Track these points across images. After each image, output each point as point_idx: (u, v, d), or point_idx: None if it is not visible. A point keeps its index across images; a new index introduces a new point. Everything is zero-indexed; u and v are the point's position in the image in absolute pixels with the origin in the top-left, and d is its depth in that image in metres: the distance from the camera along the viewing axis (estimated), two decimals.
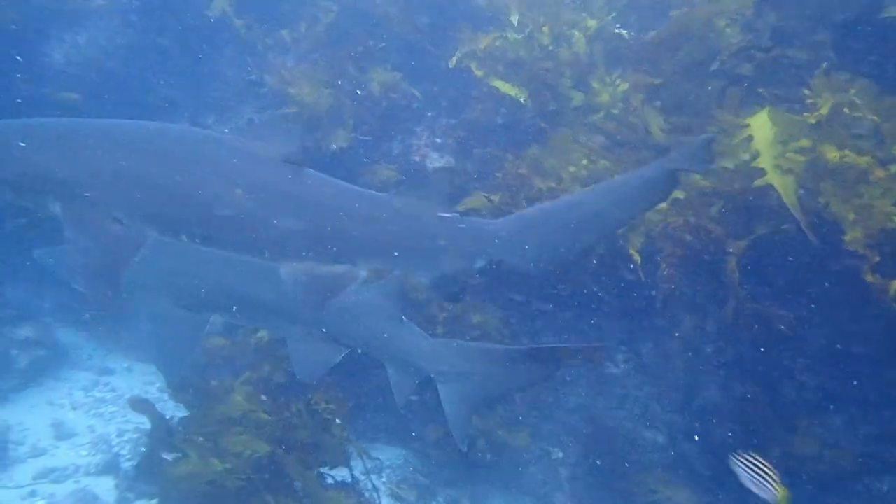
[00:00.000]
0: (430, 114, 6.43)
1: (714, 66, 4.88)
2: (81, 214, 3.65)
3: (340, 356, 4.99)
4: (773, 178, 4.16)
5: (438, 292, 4.15)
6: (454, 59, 6.01)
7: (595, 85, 5.52)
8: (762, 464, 3.82)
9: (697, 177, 4.47)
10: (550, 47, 5.72)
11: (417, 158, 6.32)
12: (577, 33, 5.72)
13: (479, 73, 5.93)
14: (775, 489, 3.77)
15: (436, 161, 6.34)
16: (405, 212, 3.97)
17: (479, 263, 4.10)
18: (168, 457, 4.85)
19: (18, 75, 5.45)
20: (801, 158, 4.16)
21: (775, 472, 3.81)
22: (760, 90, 4.66)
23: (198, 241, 3.79)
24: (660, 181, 4.01)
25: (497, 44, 5.92)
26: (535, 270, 4.13)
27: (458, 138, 6.24)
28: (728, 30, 4.83)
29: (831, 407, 4.74)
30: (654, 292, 4.76)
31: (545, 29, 5.76)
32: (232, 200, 3.68)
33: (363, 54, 6.21)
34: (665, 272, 4.62)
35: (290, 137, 3.83)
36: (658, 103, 5.12)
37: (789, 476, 4.57)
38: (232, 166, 3.72)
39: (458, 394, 4.70)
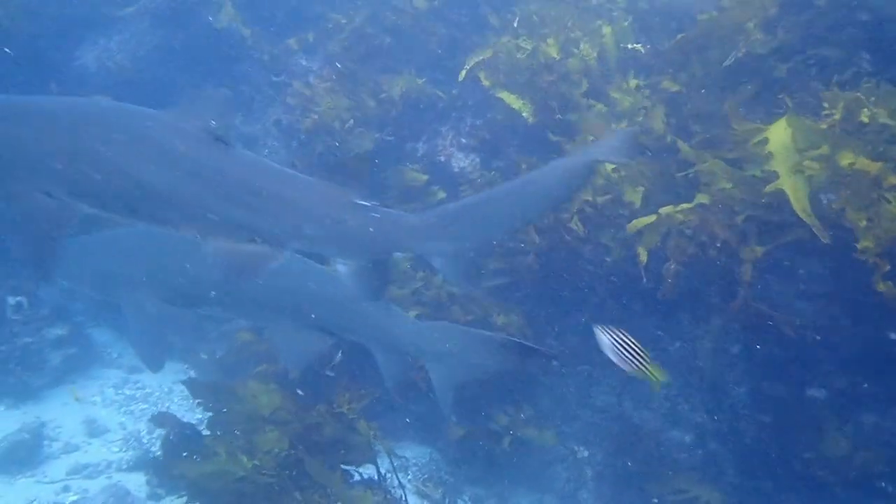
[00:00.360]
0: (454, 114, 6.45)
1: (728, 62, 4.78)
2: (10, 188, 3.71)
3: (328, 344, 5.06)
4: (785, 183, 4.12)
5: (359, 283, 4.17)
6: (463, 72, 6.03)
7: (615, 94, 5.45)
8: (630, 340, 3.77)
9: (724, 183, 4.43)
10: (557, 58, 5.64)
11: (442, 159, 6.35)
12: (583, 45, 5.64)
13: (486, 84, 5.94)
14: (642, 365, 3.72)
15: (461, 161, 6.37)
16: (327, 195, 4.00)
17: (397, 255, 4.18)
18: (196, 456, 4.94)
19: (53, 84, 5.56)
20: (817, 165, 4.10)
21: (645, 351, 3.75)
22: (782, 95, 4.57)
23: (124, 214, 3.85)
24: (579, 172, 4.08)
25: (502, 55, 5.91)
26: (451, 266, 4.15)
27: (483, 139, 6.26)
28: (758, 34, 4.73)
29: (861, 408, 4.68)
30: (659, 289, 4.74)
31: (550, 41, 5.67)
32: (157, 175, 3.71)
33: (387, 58, 6.26)
34: (672, 267, 4.58)
35: (220, 114, 3.84)
36: (685, 109, 5.04)
37: (820, 478, 4.54)
38: (159, 141, 3.75)
39: (445, 372, 4.84)
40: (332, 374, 5.41)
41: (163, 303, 5.24)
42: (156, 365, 5.33)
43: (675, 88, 5.10)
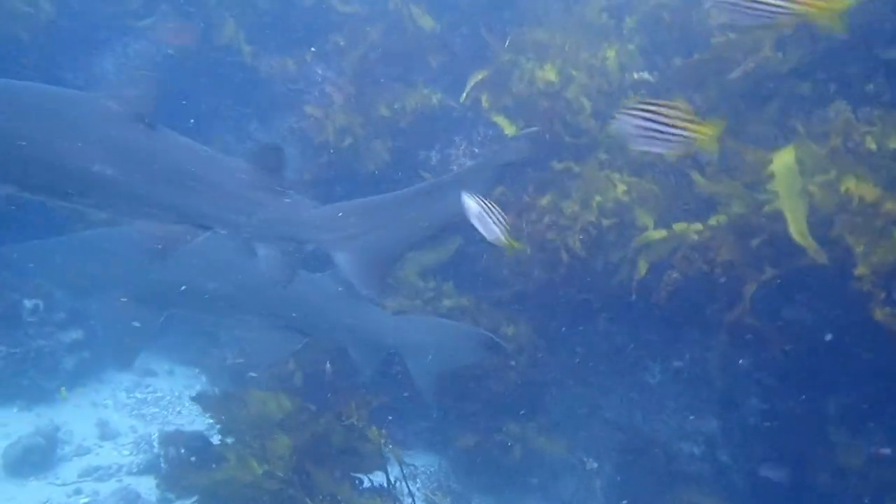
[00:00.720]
0: (467, 124, 6.49)
1: (735, 74, 4.75)
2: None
3: (300, 345, 5.13)
4: (784, 204, 4.10)
5: (270, 269, 4.19)
6: (464, 95, 6.05)
7: None
8: (496, 210, 3.59)
9: (736, 207, 4.41)
10: (556, 83, 5.54)
11: (456, 168, 6.38)
12: (578, 72, 5.54)
13: (485, 105, 5.95)
14: (503, 233, 3.56)
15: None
16: (247, 179, 4.06)
17: (309, 245, 4.19)
18: (205, 463, 4.97)
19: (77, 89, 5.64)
20: (820, 189, 4.08)
21: (506, 219, 3.61)
22: (798, 117, 4.56)
23: (53, 198, 3.86)
24: (485, 178, 4.14)
25: (500, 77, 5.91)
26: (350, 262, 4.16)
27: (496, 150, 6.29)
28: (777, 53, 4.68)
29: (873, 420, 4.66)
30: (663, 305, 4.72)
31: (548, 66, 5.60)
32: (83, 157, 3.73)
33: (402, 68, 6.31)
34: (674, 276, 4.57)
35: (144, 96, 3.86)
36: None
37: (835, 489, 4.51)
38: (84, 123, 3.78)
39: (424, 364, 4.96)
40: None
41: (133, 302, 5.37)
42: (125, 362, 5.57)
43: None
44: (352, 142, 5.99)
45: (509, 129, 5.75)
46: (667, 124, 3.11)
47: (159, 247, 3.96)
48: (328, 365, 5.55)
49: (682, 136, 3.11)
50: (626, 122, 3.18)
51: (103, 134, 3.78)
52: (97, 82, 6.36)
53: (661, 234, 4.51)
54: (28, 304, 6.12)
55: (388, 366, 5.54)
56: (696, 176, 4.57)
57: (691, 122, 3.10)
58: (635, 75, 5.37)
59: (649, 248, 4.57)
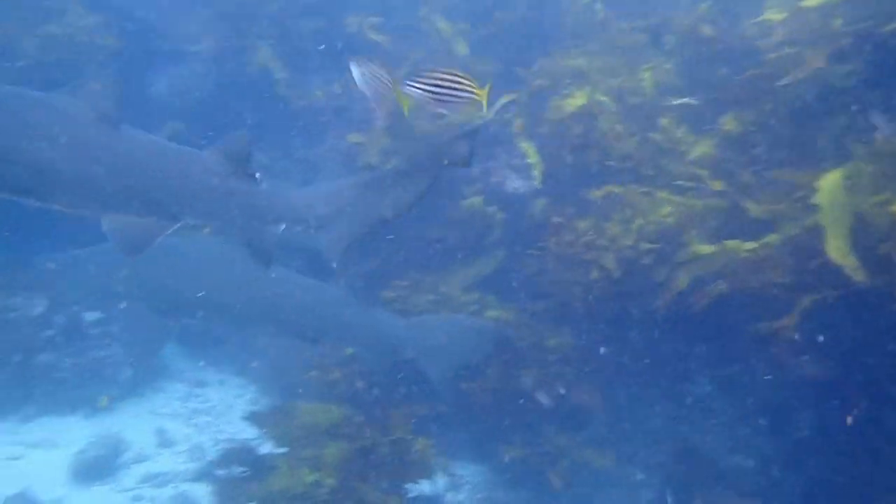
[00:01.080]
0: (508, 135, 6.53)
1: (784, 82, 4.68)
2: None
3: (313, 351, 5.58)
4: (825, 219, 4.06)
5: (248, 251, 4.46)
6: (491, 112, 6.04)
7: (656, 137, 5.25)
8: (382, 74, 3.63)
9: (789, 228, 4.35)
10: (589, 108, 5.47)
11: (496, 180, 6.42)
12: (606, 97, 5.46)
13: (517, 130, 5.93)
14: (386, 94, 3.60)
15: (515, 182, 6.43)
16: (213, 170, 4.27)
17: (280, 227, 4.47)
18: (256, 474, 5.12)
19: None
20: (868, 209, 4.01)
21: (394, 82, 3.60)
22: (848, 135, 4.46)
23: (17, 195, 4.03)
24: (430, 170, 4.49)
25: (530, 102, 5.90)
26: (325, 240, 4.52)
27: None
28: (837, 66, 4.54)
29: None
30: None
31: (580, 92, 5.51)
32: (47, 155, 3.92)
33: None
34: (719, 287, 4.53)
35: (109, 96, 4.10)
36: (757, 150, 4.85)
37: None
38: (48, 122, 3.98)
39: (438, 363, 5.23)
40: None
41: (151, 312, 5.71)
42: (145, 367, 6.12)
43: (734, 127, 4.91)
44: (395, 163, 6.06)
45: (533, 158, 5.77)
46: (452, 88, 3.54)
47: (131, 240, 4.20)
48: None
49: (464, 97, 3.55)
50: (417, 90, 3.57)
51: (68, 132, 4.02)
52: (151, 103, 6.64)
53: (709, 248, 4.48)
54: (89, 317, 6.41)
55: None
56: (745, 201, 4.52)
57: (470, 85, 3.55)
58: (675, 101, 5.29)
59: (696, 262, 4.54)
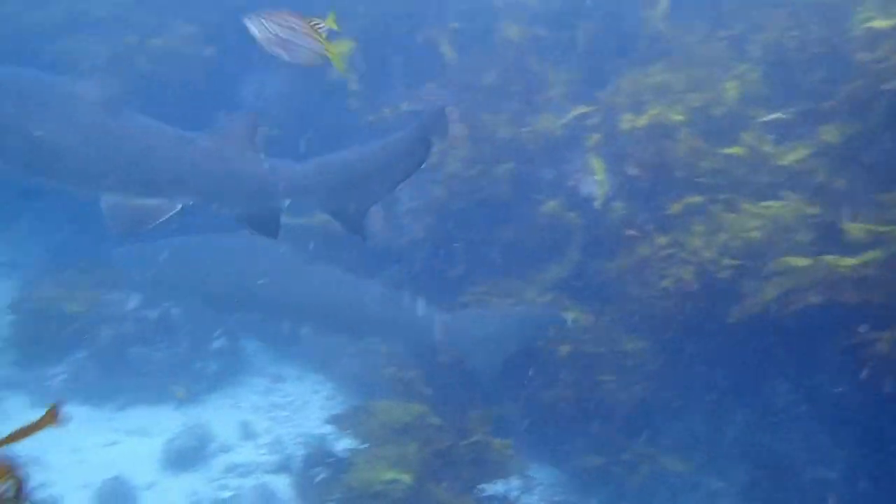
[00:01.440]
0: (583, 140, 6.53)
1: (888, 86, 4.52)
2: None
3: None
4: None
5: (251, 228, 4.61)
6: (559, 124, 6.06)
7: (733, 151, 5.09)
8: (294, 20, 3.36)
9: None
10: (655, 123, 5.37)
11: (571, 184, 6.44)
12: (683, 113, 5.34)
13: (591, 143, 5.87)
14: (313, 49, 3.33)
15: (590, 186, 6.43)
16: (214, 151, 4.41)
17: (285, 202, 4.59)
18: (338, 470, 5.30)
19: (222, 112, 6.19)
20: None
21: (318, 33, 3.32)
22: None
23: (25, 170, 4.36)
24: (419, 146, 4.56)
25: (606, 116, 5.83)
26: (328, 210, 4.64)
27: (610, 165, 6.29)
28: None
29: None
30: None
31: (658, 108, 5.40)
32: (55, 134, 4.23)
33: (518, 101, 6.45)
34: (809, 298, 4.43)
35: (116, 82, 4.39)
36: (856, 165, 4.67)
37: None
38: (52, 102, 4.29)
39: (483, 357, 5.36)
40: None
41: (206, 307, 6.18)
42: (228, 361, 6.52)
43: (832, 139, 4.71)
44: (478, 170, 6.12)
45: (601, 175, 5.76)
46: (296, 34, 3.34)
47: (130, 223, 4.43)
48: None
49: (311, 48, 3.35)
50: (261, 28, 3.37)
51: (75, 114, 4.33)
52: (239, 109, 6.93)
53: (804, 261, 4.39)
54: (176, 311, 6.73)
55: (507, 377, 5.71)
56: (843, 220, 4.40)
57: (321, 37, 3.35)
58: (764, 119, 5.15)
59: (788, 275, 4.45)
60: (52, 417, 1.38)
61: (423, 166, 4.78)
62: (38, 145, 4.32)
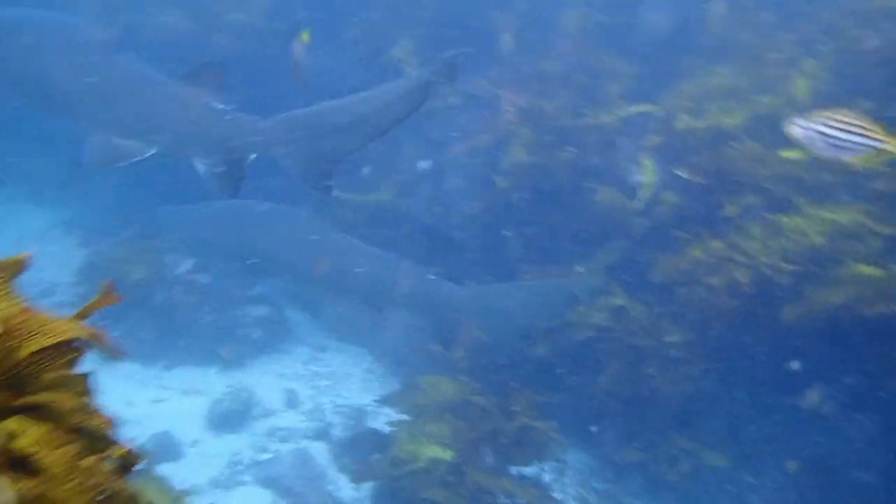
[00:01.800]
0: (632, 129, 6.50)
1: None
2: None
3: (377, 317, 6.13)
4: None
5: (214, 179, 4.76)
6: (608, 117, 6.08)
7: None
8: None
9: None
10: (730, 126, 5.34)
11: (619, 172, 6.44)
12: (745, 116, 5.32)
13: (649, 145, 5.89)
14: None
15: (636, 175, 6.42)
16: (182, 99, 4.68)
17: (250, 157, 4.72)
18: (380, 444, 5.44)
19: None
20: None
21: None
22: None
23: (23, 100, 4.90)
24: (416, 91, 4.56)
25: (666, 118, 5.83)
26: (297, 166, 4.69)
27: (661, 154, 6.26)
28: None
29: None
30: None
31: (718, 111, 5.38)
32: (51, 70, 4.74)
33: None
34: (878, 308, 4.41)
35: (113, 26, 4.88)
36: None
37: None
38: (59, 43, 4.79)
39: (499, 326, 5.52)
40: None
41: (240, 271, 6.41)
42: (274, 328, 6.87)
43: None
44: (536, 157, 6.13)
45: (650, 176, 5.77)
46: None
47: (107, 159, 4.77)
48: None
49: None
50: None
51: (72, 53, 4.79)
52: None
53: (873, 270, 4.38)
54: (223, 276, 6.86)
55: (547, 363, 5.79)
56: None
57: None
58: None
59: (853, 283, 4.44)
60: (108, 297, 1.45)
61: (419, 110, 4.79)
62: (42, 82, 4.87)
